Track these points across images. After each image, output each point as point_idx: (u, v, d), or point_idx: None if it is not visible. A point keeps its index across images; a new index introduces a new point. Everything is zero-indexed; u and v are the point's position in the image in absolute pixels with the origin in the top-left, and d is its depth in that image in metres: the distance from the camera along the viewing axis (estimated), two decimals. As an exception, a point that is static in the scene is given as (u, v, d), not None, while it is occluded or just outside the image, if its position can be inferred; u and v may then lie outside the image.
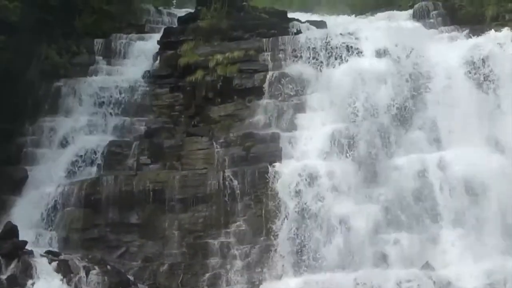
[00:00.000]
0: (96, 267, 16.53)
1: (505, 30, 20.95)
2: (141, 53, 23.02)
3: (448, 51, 20.27)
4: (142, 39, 23.97)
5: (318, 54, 20.31)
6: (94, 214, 18.22)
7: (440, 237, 17.11)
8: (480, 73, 19.30)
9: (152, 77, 21.38)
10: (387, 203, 17.46)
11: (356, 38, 20.58)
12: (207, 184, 18.19)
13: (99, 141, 19.78)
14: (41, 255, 16.38)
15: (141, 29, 25.35)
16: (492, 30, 21.34)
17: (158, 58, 22.07)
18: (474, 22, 24.38)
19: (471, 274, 15.91)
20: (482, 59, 19.44)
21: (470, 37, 21.18)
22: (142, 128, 20.29)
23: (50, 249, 17.19)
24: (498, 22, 23.81)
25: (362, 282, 15.93)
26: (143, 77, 21.46)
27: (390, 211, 17.40)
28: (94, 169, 19.24)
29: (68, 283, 15.87)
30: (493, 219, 16.96)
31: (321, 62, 20.14)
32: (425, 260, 16.64)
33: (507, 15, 24.13)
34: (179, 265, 17.80)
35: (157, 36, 23.05)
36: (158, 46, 22.36)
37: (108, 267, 16.80)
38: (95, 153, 19.43)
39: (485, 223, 16.99)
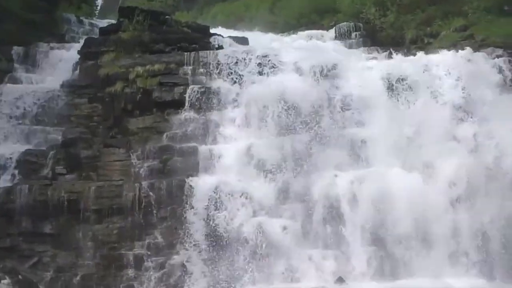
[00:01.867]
0: (7, 277, 16.33)
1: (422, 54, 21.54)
2: (61, 63, 22.85)
3: (367, 70, 20.62)
4: (63, 48, 23.78)
5: (239, 70, 20.46)
6: (6, 223, 17.92)
7: (352, 253, 17.37)
8: (398, 92, 19.65)
9: (71, 87, 21.14)
10: (301, 220, 17.66)
11: (277, 55, 20.80)
12: (123, 195, 18.11)
13: (14, 149, 19.47)
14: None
15: (61, 39, 25.16)
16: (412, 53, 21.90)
17: (78, 68, 21.92)
18: (394, 44, 24.98)
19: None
20: (400, 79, 19.82)
21: (390, 58, 21.67)
22: (59, 137, 20.04)
23: (-40, 258, 16.91)
24: (417, 45, 24.44)
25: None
26: (62, 86, 21.23)
27: (303, 227, 17.60)
28: (8, 177, 18.92)
29: (-23, 292, 15.61)
30: (403, 238, 17.31)
31: (241, 77, 20.30)
32: (338, 275, 16.90)
33: (426, 38, 24.77)
34: (92, 276, 17.66)
35: (77, 46, 22.91)
36: (79, 56, 22.18)
37: (20, 277, 16.61)
38: (9, 161, 19.11)
39: (393, 242, 17.33)
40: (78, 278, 17.65)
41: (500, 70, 20.08)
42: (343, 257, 17.33)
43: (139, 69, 20.69)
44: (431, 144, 18.65)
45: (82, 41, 23.05)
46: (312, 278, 16.92)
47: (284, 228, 17.49)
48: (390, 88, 19.79)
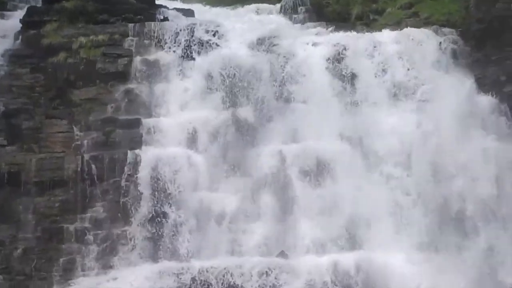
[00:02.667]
0: None
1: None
2: (2, 31, 22.34)
3: (312, 46, 20.63)
4: (4, 16, 23.28)
5: (184, 42, 20.28)
6: None
7: (295, 227, 17.44)
8: (340, 69, 19.72)
9: (12, 56, 20.68)
10: (245, 193, 17.68)
11: (222, 28, 20.69)
12: (65, 168, 17.96)
13: (-48, 120, 19.10)
14: None
15: (3, 7, 24.61)
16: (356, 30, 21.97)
17: (20, 37, 21.45)
18: (340, 20, 24.93)
19: (320, 265, 16.36)
20: (342, 56, 19.89)
21: (335, 34, 21.69)
22: (0, 108, 19.65)
23: None
24: (363, 21, 24.45)
25: (217, 270, 16.15)
26: (3, 55, 20.77)
27: (247, 201, 17.63)
28: None
29: None
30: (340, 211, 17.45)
31: (187, 49, 20.13)
32: (281, 249, 16.96)
33: (371, 15, 24.79)
34: (33, 250, 17.52)
35: (19, 15, 22.38)
36: (20, 25, 21.72)
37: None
38: None
39: (333, 214, 17.46)
40: (19, 251, 17.50)
41: (443, 49, 20.30)
42: (286, 231, 17.39)
43: (83, 39, 20.36)
44: (371, 120, 18.85)
45: (24, 10, 22.55)
46: (255, 252, 16.97)
47: (229, 201, 17.49)
48: (332, 63, 19.85)
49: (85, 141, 18.60)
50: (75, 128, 18.90)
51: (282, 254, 16.86)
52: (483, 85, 19.40)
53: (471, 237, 17.16)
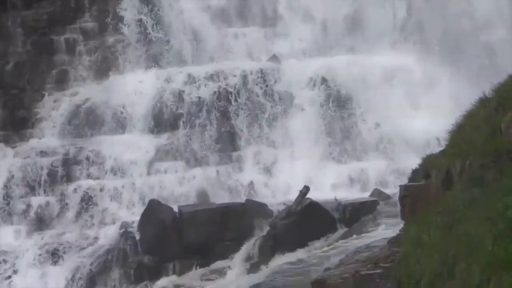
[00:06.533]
0: None
1: None
2: None
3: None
4: None
5: None
6: None
7: (290, 30, 17.41)
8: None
9: None
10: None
11: None
12: (52, -22, 17.65)
13: None
14: None
15: None
16: None
17: None
18: None
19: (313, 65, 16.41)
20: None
21: None
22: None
23: None
24: None
25: (211, 74, 16.20)
26: None
27: (238, 5, 17.50)
28: None
29: None
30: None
31: None
32: (272, 52, 16.95)
33: None
34: (25, 64, 17.42)
35: None
36: None
37: None
38: None
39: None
40: (10, 66, 17.42)
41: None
42: (279, 34, 17.35)
43: None
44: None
45: None
46: (244, 56, 17.02)
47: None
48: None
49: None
50: None
51: (274, 58, 16.83)
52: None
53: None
